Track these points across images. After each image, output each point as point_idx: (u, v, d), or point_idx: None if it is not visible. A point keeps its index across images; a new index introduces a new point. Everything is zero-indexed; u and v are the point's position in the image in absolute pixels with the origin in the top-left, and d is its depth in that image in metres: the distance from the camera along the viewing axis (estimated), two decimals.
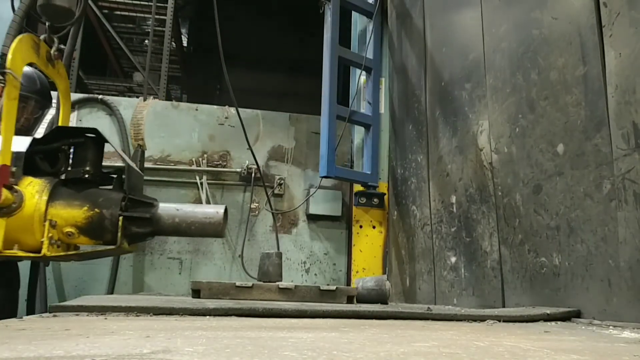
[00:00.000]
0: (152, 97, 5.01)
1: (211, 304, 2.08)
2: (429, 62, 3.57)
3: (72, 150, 2.72)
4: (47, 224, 2.44)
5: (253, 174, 4.51)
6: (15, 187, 2.43)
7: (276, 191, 4.58)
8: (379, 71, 4.41)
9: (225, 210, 2.77)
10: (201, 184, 4.47)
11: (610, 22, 1.88)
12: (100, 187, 2.67)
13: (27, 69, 3.03)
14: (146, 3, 6.78)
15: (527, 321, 1.90)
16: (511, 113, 2.51)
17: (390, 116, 4.34)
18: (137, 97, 7.28)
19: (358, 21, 4.64)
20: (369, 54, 4.32)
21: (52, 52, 2.76)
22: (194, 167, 4.51)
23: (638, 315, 1.69)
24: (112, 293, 4.15)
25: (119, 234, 2.54)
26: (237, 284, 2.73)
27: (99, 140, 2.70)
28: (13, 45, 2.42)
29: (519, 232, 2.40)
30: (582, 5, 2.04)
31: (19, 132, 2.72)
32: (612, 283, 1.83)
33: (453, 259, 3.04)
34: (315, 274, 4.55)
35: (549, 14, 2.26)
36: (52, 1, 2.60)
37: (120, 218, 2.54)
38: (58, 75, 2.95)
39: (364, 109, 4.37)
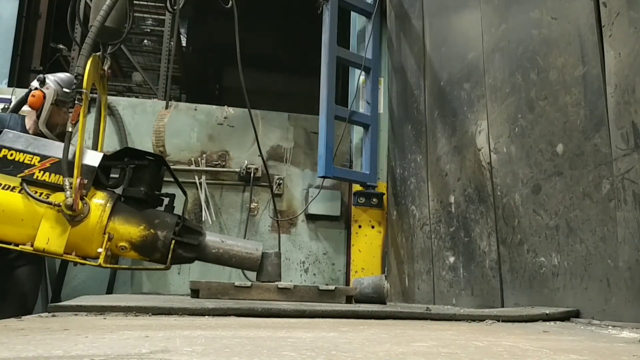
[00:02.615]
0: (155, 99, 4.99)
1: (210, 303, 2.08)
2: (428, 61, 3.57)
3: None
4: (106, 236, 2.63)
5: (252, 174, 4.50)
6: (85, 198, 2.62)
7: (275, 191, 4.57)
8: (377, 71, 4.41)
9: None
10: (200, 183, 4.46)
11: (610, 22, 1.88)
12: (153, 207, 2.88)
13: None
14: (145, 3, 6.77)
15: (526, 321, 1.90)
16: (510, 113, 2.51)
17: (389, 116, 4.34)
18: (137, 97, 7.27)
19: (357, 21, 4.64)
20: (368, 54, 4.31)
21: (105, 69, 2.97)
22: (192, 167, 4.50)
23: (637, 315, 1.69)
24: (111, 293, 4.15)
25: (170, 256, 2.74)
26: (236, 283, 2.74)
27: (158, 164, 2.92)
28: (88, 67, 2.60)
29: (518, 232, 2.40)
30: (581, 5, 2.04)
31: (60, 135, 3.01)
32: (611, 283, 1.83)
33: (452, 259, 3.04)
34: (314, 274, 4.54)
35: (549, 13, 2.26)
36: (108, 24, 2.74)
37: (173, 242, 2.73)
38: (103, 91, 3.22)
39: (363, 109, 4.36)
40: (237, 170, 4.54)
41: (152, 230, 2.73)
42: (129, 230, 2.70)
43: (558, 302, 2.09)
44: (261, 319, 1.80)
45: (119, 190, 2.85)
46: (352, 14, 4.63)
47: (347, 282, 4.37)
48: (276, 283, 2.83)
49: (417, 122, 3.69)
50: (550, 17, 2.24)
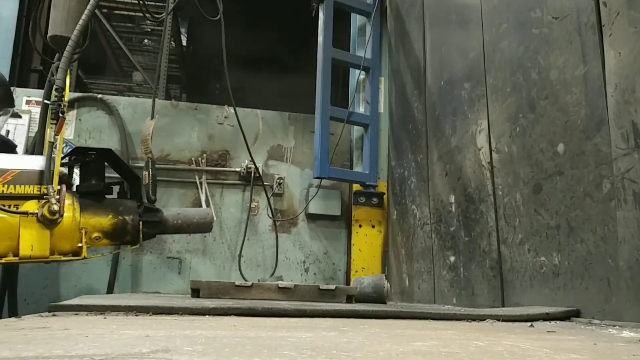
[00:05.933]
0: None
1: (210, 303, 2.08)
2: (429, 61, 3.57)
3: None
4: (82, 231, 2.81)
5: (252, 174, 4.50)
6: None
7: (276, 190, 4.57)
8: (378, 71, 4.40)
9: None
10: (200, 183, 4.46)
11: (610, 21, 1.88)
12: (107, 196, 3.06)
13: None
14: (144, 2, 6.76)
15: (526, 320, 1.90)
16: (511, 112, 2.51)
17: (390, 116, 4.34)
18: (137, 96, 7.27)
19: (357, 20, 4.63)
20: (368, 54, 4.31)
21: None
22: (193, 166, 4.51)
23: (637, 314, 1.69)
24: (111, 292, 4.15)
25: (141, 235, 2.99)
26: (237, 283, 2.74)
27: (103, 156, 3.10)
28: (68, 80, 2.79)
29: (519, 231, 2.40)
30: (582, 5, 2.04)
31: None
32: (611, 282, 1.83)
33: (452, 259, 3.04)
34: (315, 274, 4.54)
35: (549, 13, 2.26)
36: (59, 33, 2.91)
37: (140, 222, 2.98)
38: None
39: (363, 108, 4.36)
40: (237, 169, 4.54)
41: (120, 217, 2.94)
42: (99, 221, 2.89)
43: (559, 302, 2.09)
44: (261, 319, 1.80)
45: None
46: (352, 13, 4.63)
47: (348, 282, 4.37)
48: (277, 282, 2.84)
49: (417, 121, 3.69)
50: (550, 16, 2.24)
